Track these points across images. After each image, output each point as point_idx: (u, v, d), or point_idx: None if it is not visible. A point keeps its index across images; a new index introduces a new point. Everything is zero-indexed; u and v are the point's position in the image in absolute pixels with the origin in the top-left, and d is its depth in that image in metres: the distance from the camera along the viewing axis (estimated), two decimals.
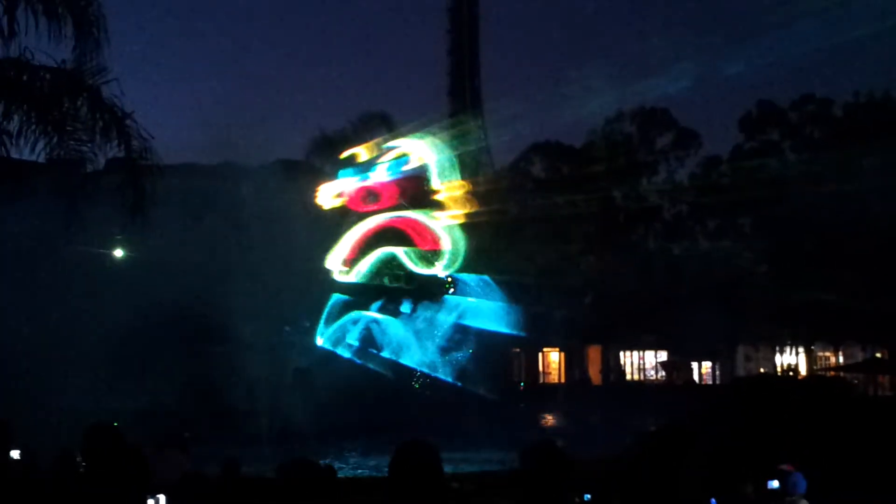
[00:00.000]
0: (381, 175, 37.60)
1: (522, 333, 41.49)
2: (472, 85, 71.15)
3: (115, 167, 13.56)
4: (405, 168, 37.91)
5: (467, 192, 39.20)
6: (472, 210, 39.17)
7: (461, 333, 38.51)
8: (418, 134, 38.60)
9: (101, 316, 26.86)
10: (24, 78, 12.55)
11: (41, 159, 12.96)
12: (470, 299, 38.97)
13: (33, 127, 12.42)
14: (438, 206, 38.50)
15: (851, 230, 46.62)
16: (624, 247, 56.45)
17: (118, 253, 31.35)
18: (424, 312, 37.76)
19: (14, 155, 12.88)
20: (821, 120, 56.23)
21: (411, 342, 36.97)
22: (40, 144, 12.51)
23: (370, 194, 37.35)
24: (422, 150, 38.38)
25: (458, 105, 70.32)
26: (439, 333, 37.80)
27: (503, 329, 39.46)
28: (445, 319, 38.03)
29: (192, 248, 31.07)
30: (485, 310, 38.80)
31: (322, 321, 37.04)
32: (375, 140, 38.90)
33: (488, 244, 44.64)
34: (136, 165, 13.11)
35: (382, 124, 42.60)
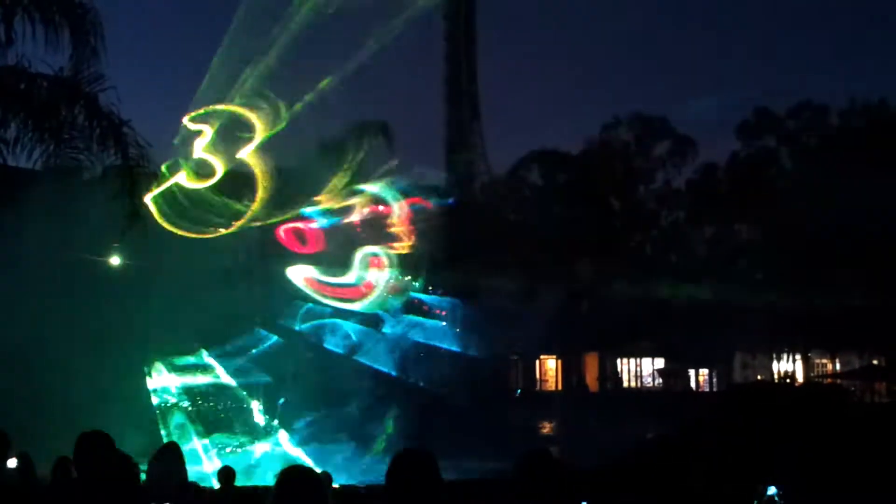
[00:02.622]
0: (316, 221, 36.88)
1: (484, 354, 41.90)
2: (469, 91, 71.31)
3: (112, 175, 13.55)
4: (339, 222, 37.17)
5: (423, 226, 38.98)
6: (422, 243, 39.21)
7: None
8: (385, 183, 38.07)
9: (102, 320, 26.90)
10: (22, 86, 12.53)
11: (38, 167, 12.96)
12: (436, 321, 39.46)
13: (30, 135, 12.41)
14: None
15: (848, 237, 46.71)
16: (621, 254, 56.49)
17: (115, 260, 31.27)
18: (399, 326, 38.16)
19: (11, 163, 12.86)
20: (817, 127, 56.39)
21: (389, 350, 37.25)
22: (37, 152, 12.49)
23: (299, 237, 36.78)
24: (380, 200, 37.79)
25: (454, 112, 70.46)
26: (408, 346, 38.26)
27: (467, 351, 39.96)
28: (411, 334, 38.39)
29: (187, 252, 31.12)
30: (442, 333, 39.25)
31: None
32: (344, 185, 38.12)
33: (482, 252, 44.78)
34: (133, 173, 13.10)
35: (379, 132, 42.55)
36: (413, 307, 39.47)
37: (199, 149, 30.62)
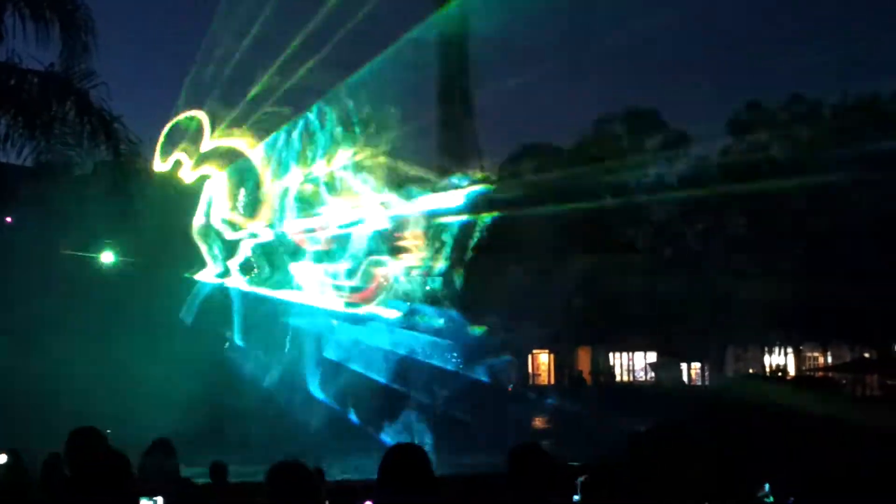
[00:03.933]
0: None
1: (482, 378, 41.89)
2: (462, 87, 71.14)
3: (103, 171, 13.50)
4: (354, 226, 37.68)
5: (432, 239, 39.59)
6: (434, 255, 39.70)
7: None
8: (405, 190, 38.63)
9: (91, 317, 26.83)
10: (12, 82, 12.48)
11: (29, 163, 12.90)
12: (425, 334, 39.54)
13: (21, 131, 12.35)
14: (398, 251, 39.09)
15: (840, 231, 46.80)
16: (613, 248, 56.43)
17: (108, 258, 31.13)
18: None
19: (1, 159, 12.81)
20: (809, 121, 56.35)
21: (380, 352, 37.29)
22: (28, 148, 12.44)
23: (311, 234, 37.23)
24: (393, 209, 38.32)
25: (447, 108, 70.32)
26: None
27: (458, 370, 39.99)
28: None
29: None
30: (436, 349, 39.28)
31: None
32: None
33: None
34: (125, 169, 13.06)
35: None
36: (414, 318, 39.45)
37: (188, 175, 30.81)
